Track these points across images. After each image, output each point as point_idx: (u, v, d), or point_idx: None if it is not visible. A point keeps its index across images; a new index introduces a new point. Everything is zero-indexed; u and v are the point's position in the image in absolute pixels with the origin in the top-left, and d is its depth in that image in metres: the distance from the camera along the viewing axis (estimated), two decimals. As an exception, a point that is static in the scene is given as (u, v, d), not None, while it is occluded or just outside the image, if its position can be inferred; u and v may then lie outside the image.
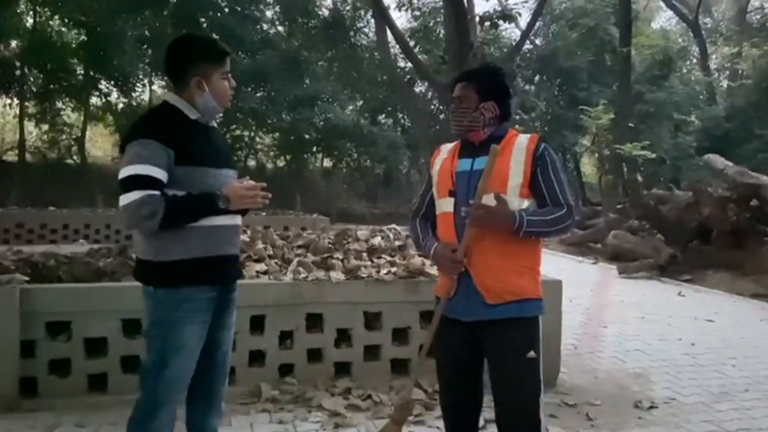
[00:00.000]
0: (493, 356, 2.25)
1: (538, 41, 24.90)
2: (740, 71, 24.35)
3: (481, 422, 2.56)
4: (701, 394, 4.05)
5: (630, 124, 18.34)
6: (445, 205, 2.32)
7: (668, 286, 8.67)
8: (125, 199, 2.10)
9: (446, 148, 2.44)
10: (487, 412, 2.51)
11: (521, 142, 2.25)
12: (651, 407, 3.79)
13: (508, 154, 2.23)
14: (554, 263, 10.26)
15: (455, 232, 2.24)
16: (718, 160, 10.42)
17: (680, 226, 10.05)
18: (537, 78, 24.61)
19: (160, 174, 2.12)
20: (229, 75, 2.33)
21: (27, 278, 3.60)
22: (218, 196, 2.19)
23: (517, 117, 22.10)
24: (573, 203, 2.27)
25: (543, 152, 2.23)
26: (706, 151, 13.91)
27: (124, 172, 2.12)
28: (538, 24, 20.80)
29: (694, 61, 27.59)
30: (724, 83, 27.37)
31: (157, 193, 2.10)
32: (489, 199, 2.17)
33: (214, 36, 22.23)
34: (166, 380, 2.19)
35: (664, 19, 32.24)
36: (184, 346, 2.20)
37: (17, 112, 20.44)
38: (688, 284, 8.80)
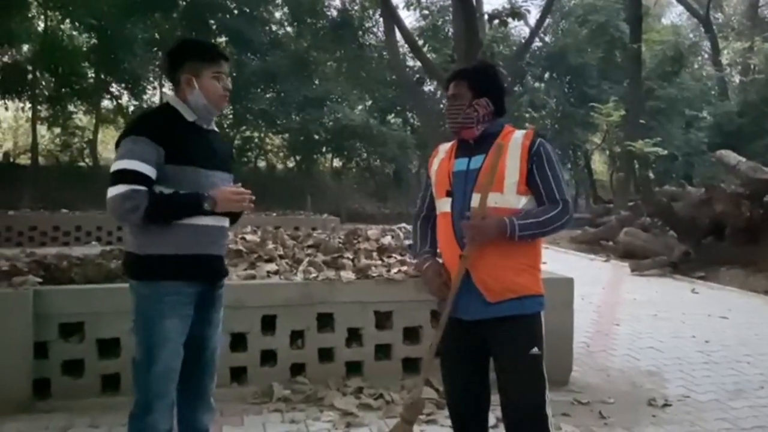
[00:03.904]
0: (496, 354, 2.26)
1: (547, 38, 24.81)
2: (752, 66, 24.14)
3: (493, 421, 2.55)
4: (716, 392, 4.02)
5: (641, 121, 18.22)
6: (443, 206, 2.32)
7: (681, 284, 8.60)
8: (111, 191, 2.17)
9: (443, 149, 2.45)
10: (498, 411, 2.49)
11: (517, 139, 2.24)
12: (665, 405, 3.76)
13: (504, 151, 2.23)
14: (566, 261, 10.21)
15: (453, 232, 2.25)
16: (730, 156, 10.34)
17: (693, 222, 9.97)
18: (547, 75, 24.52)
19: (148, 170, 2.18)
20: (224, 76, 2.36)
21: (40, 280, 3.62)
22: (204, 197, 2.24)
23: (527, 115, 22.01)
24: (569, 198, 2.26)
25: (538, 148, 2.21)
26: (718, 147, 13.81)
27: (114, 166, 2.20)
28: (547, 21, 20.72)
29: (706, 56, 27.41)
30: (736, 78, 27.16)
31: (142, 188, 2.16)
32: (494, 198, 2.18)
33: (223, 37, 22.13)
34: (156, 373, 2.23)
35: (674, 15, 32.08)
36: (168, 338, 2.25)
37: (30, 115, 20.66)
38: (702, 281, 8.73)
